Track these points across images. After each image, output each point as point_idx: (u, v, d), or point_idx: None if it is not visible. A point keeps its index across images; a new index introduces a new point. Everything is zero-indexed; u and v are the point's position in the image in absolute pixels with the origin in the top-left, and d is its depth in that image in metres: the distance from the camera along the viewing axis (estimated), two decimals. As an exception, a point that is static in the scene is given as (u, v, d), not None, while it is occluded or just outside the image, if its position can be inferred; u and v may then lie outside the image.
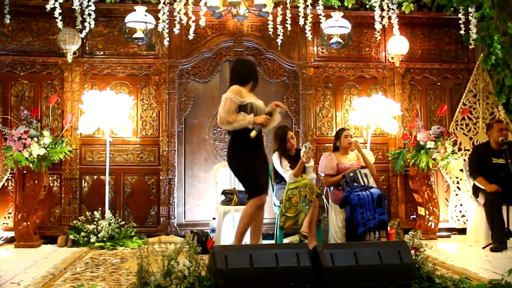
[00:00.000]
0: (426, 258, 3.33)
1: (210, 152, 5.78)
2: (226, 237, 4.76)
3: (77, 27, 5.41)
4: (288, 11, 5.32)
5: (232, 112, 3.64)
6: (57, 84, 5.58)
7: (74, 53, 5.45)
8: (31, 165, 4.99)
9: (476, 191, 5.16)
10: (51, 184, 5.47)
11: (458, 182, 5.81)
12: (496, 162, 5.01)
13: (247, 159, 3.70)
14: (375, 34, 5.47)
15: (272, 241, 4.97)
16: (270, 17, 5.28)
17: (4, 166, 5.08)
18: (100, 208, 5.27)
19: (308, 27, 5.36)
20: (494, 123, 5.18)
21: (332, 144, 5.14)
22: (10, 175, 5.36)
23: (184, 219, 5.69)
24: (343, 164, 4.83)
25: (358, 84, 5.95)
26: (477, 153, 5.21)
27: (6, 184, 5.39)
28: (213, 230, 4.81)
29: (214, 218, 4.91)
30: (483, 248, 4.83)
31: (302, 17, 5.24)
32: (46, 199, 5.39)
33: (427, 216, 5.52)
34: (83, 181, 5.55)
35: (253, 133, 3.59)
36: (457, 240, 5.47)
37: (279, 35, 5.34)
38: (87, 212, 5.26)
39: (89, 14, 5.26)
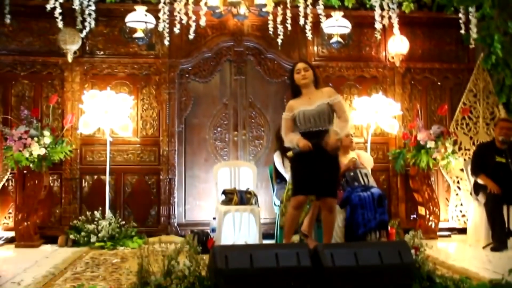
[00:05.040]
0: (426, 257, 3.32)
1: (210, 152, 5.78)
2: (227, 237, 4.76)
3: (77, 27, 5.40)
4: (288, 11, 5.32)
5: (288, 129, 3.82)
6: (57, 84, 5.58)
7: (75, 53, 5.45)
8: (31, 165, 4.99)
9: (477, 189, 5.15)
10: (52, 184, 5.47)
11: (458, 182, 5.81)
12: (499, 160, 5.00)
13: (294, 162, 3.87)
14: (375, 33, 5.47)
15: (272, 241, 4.97)
16: (270, 17, 5.28)
17: (5, 166, 5.08)
18: (100, 208, 5.27)
19: (308, 27, 5.36)
20: (499, 121, 5.18)
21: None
22: (11, 175, 5.36)
23: (185, 219, 5.68)
24: (343, 164, 4.82)
25: (358, 83, 5.94)
26: (480, 151, 5.20)
27: (6, 184, 5.39)
28: (213, 230, 4.81)
29: (214, 218, 4.91)
30: (484, 247, 4.82)
31: (303, 16, 5.25)
32: (47, 199, 5.39)
33: (428, 216, 5.52)
34: (83, 181, 5.55)
35: (289, 153, 3.80)
36: (458, 240, 5.47)
37: (279, 34, 5.34)
38: (87, 212, 5.25)
39: (89, 14, 5.26)
